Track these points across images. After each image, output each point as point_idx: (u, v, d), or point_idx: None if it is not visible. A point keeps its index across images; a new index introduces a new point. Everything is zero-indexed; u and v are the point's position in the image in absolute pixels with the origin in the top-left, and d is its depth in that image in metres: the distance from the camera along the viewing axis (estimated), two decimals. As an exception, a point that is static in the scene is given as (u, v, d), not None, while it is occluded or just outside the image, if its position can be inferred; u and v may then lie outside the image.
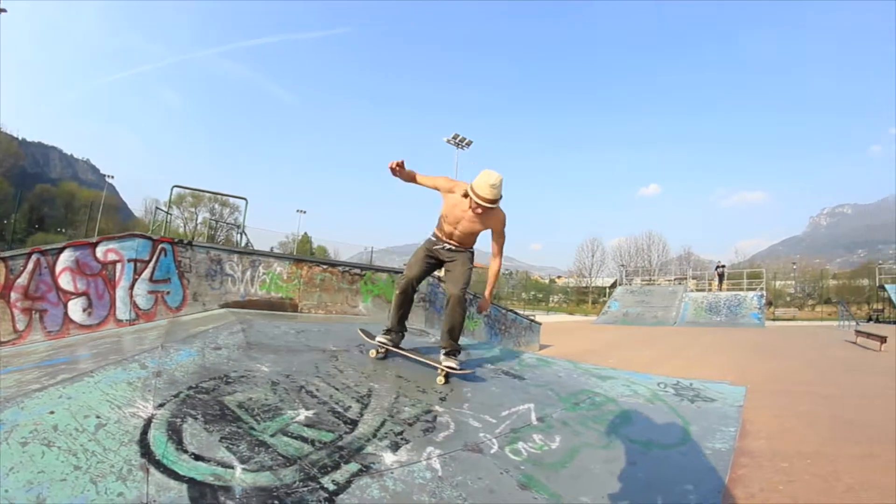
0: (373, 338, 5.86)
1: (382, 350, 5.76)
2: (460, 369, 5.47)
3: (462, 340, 6.14)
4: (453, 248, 5.53)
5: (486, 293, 6.17)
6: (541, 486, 3.48)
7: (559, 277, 79.11)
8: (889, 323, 31.87)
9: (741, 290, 36.48)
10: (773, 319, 42.01)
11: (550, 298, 69.53)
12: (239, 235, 23.94)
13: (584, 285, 69.82)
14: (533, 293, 68.20)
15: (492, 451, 3.91)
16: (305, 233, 70.65)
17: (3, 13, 33.17)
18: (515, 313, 13.72)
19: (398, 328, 5.76)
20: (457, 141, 44.23)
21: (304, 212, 68.34)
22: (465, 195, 5.02)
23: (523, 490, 3.36)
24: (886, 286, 36.22)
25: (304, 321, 8.09)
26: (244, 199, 24.92)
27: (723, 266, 40.44)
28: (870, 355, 13.55)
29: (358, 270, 10.04)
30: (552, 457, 4.00)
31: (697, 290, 39.12)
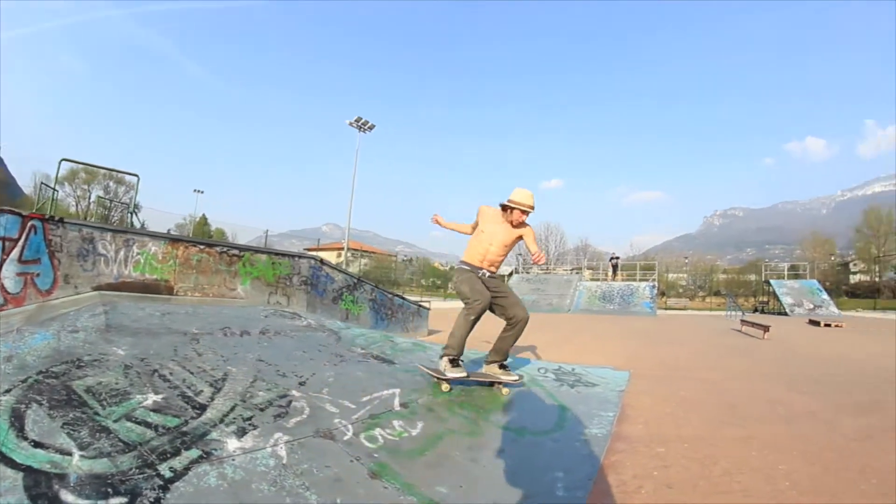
0: (440, 373, 5.63)
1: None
2: (516, 378, 5.93)
3: (337, 325, 5.93)
4: (491, 273, 5.97)
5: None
6: (393, 474, 3.29)
7: (460, 264, 79.16)
8: (773, 314, 34.05)
9: (634, 280, 37.47)
10: (666, 309, 44.02)
11: (449, 285, 68.48)
12: (130, 215, 21.68)
13: (482, 273, 68.51)
14: (432, 280, 68.14)
15: (345, 438, 3.69)
16: (203, 214, 69.05)
17: None
18: (402, 298, 13.33)
19: (462, 352, 5.84)
20: (359, 124, 43.96)
21: (202, 192, 65.68)
22: (504, 208, 5.80)
23: (373, 479, 3.19)
24: (772, 281, 39.02)
25: (176, 304, 7.68)
26: (136, 175, 22.69)
27: (617, 258, 41.95)
28: (753, 343, 13.99)
29: (236, 251, 9.53)
30: (411, 444, 3.86)
31: (592, 280, 40.02)
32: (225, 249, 9.37)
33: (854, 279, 64.81)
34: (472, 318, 5.68)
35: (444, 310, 28.10)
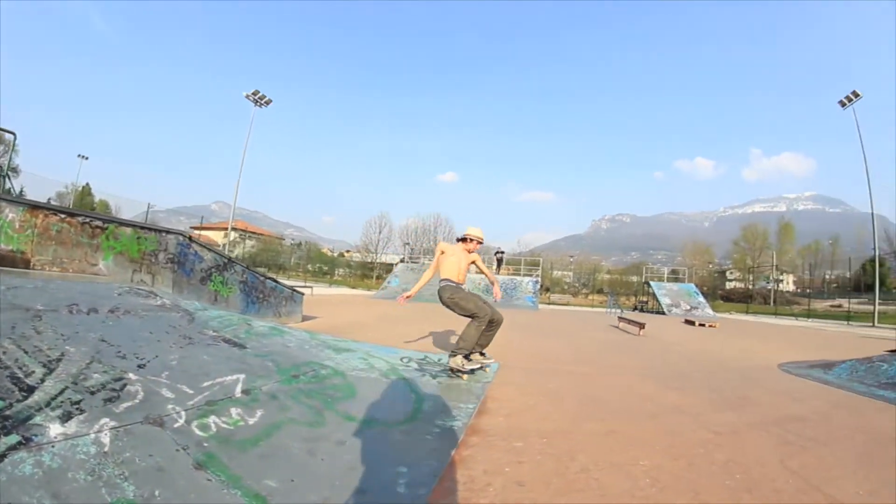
0: (460, 367, 6.50)
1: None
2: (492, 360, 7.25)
3: (194, 305, 6.35)
4: (460, 285, 7.28)
5: (496, 285, 8.43)
6: (220, 466, 3.01)
7: (348, 251, 78.47)
8: (652, 313, 35.59)
9: (519, 275, 37.89)
10: (549, 304, 44.69)
11: (336, 271, 68.34)
12: (3, 179, 19.30)
13: (369, 261, 69.61)
14: (318, 265, 66.99)
15: (175, 426, 3.35)
16: (87, 183, 64.62)
17: None
18: (275, 281, 12.62)
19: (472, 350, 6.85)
20: (256, 98, 42.44)
21: (87, 157, 61.29)
22: (464, 239, 7.34)
23: (198, 470, 2.90)
24: (651, 283, 40.80)
25: (27, 278, 6.82)
26: (12, 133, 20.28)
27: (502, 252, 42.19)
28: (629, 339, 14.31)
29: (100, 223, 8.61)
30: (245, 433, 3.56)
31: (477, 273, 39.62)
32: (87, 220, 8.51)
33: (730, 286, 69.17)
34: (483, 327, 6.76)
35: (327, 296, 27.52)
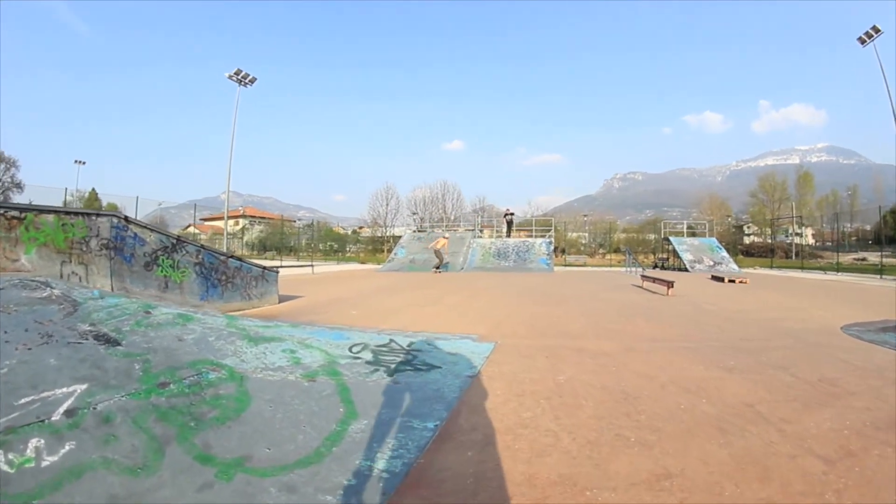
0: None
1: None
2: None
3: (92, 293, 5.49)
4: None
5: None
6: None
7: (361, 228, 77.22)
8: (673, 270, 33.40)
9: (531, 237, 35.96)
10: (565, 265, 42.66)
11: (347, 248, 66.84)
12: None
13: (379, 235, 67.60)
14: (330, 244, 65.69)
15: None
16: (93, 189, 63.42)
17: None
18: (240, 260, 10.83)
19: None
20: (239, 77, 40.83)
21: (84, 162, 60.57)
22: None
23: None
24: (671, 238, 38.52)
25: None
26: None
27: (511, 213, 39.88)
28: (655, 300, 12.17)
29: (16, 213, 7.52)
30: (26, 482, 2.41)
31: (489, 238, 38.12)
32: (2, 212, 7.47)
33: (747, 240, 66.43)
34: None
35: (330, 273, 26.10)
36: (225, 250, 33.36)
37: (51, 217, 7.83)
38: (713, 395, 3.99)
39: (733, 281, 19.42)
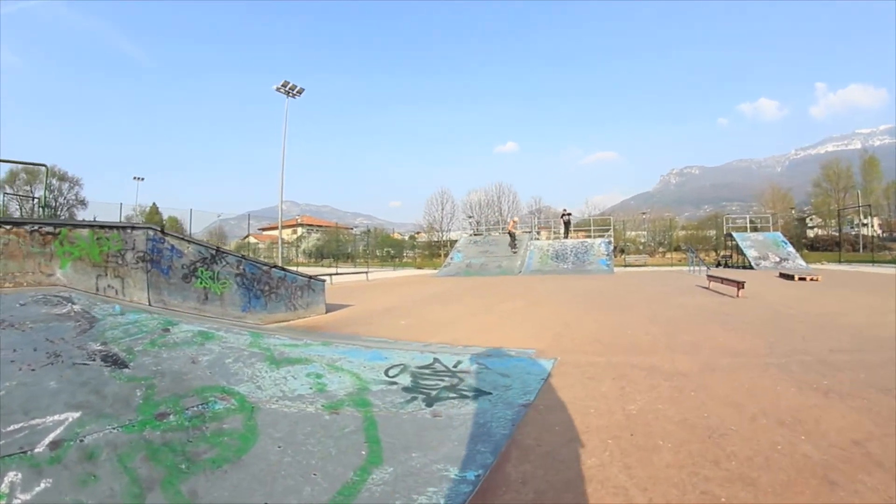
0: None
1: None
2: None
3: (114, 309, 5.55)
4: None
5: None
6: None
7: (418, 233, 77.23)
8: (737, 268, 31.72)
9: (590, 237, 34.90)
10: (625, 266, 41.43)
11: (404, 253, 66.99)
12: (42, 210, 22.04)
13: (435, 239, 67.19)
14: (387, 249, 65.75)
15: None
16: (154, 203, 65.04)
17: None
18: (284, 270, 10.43)
19: None
20: (287, 89, 40.99)
21: (142, 179, 62.54)
22: None
23: None
24: (734, 234, 36.69)
25: None
26: (44, 165, 23.32)
27: (568, 214, 38.60)
28: (725, 303, 11.16)
29: (50, 229, 7.55)
30: None
31: (547, 239, 37.21)
32: (36, 228, 7.48)
33: (810, 233, 63.61)
34: None
35: (386, 280, 26.14)
36: (280, 259, 33.96)
37: (85, 231, 7.76)
38: (812, 429, 3.26)
39: (804, 279, 18.05)
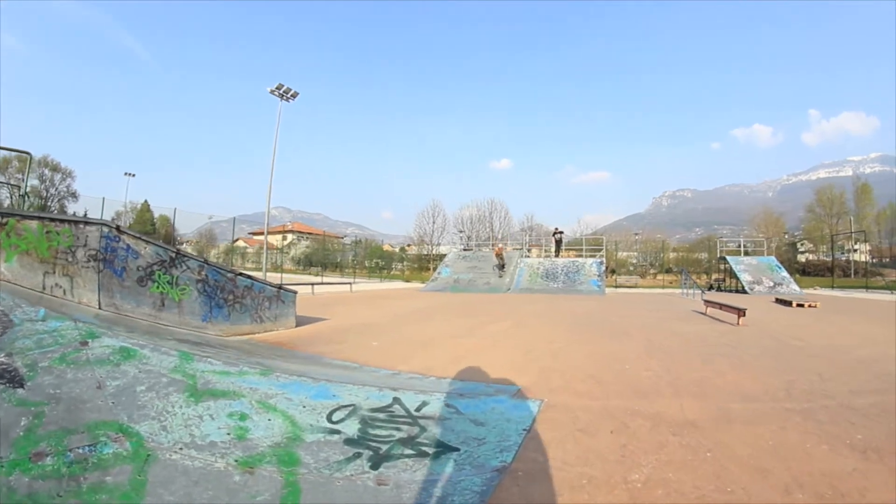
0: None
1: None
2: None
3: (39, 313, 4.95)
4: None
5: None
6: None
7: (409, 245, 76.74)
8: (731, 292, 31.48)
9: (581, 257, 34.20)
10: (615, 287, 40.73)
11: (393, 266, 66.26)
12: (22, 199, 22.20)
13: (425, 252, 66.56)
14: (376, 261, 65.14)
15: None
16: (146, 200, 64.54)
17: None
18: (250, 278, 9.51)
19: None
20: (281, 92, 40.25)
21: (133, 174, 61.56)
22: None
23: None
24: (728, 257, 36.47)
25: None
26: (27, 153, 21.77)
27: (560, 232, 37.93)
28: (726, 331, 10.33)
29: None
30: None
31: (536, 257, 36.55)
32: None
33: (801, 258, 63.59)
34: None
35: (371, 292, 25.63)
36: (265, 265, 33.09)
37: (34, 224, 7.20)
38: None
39: (802, 305, 17.45)
